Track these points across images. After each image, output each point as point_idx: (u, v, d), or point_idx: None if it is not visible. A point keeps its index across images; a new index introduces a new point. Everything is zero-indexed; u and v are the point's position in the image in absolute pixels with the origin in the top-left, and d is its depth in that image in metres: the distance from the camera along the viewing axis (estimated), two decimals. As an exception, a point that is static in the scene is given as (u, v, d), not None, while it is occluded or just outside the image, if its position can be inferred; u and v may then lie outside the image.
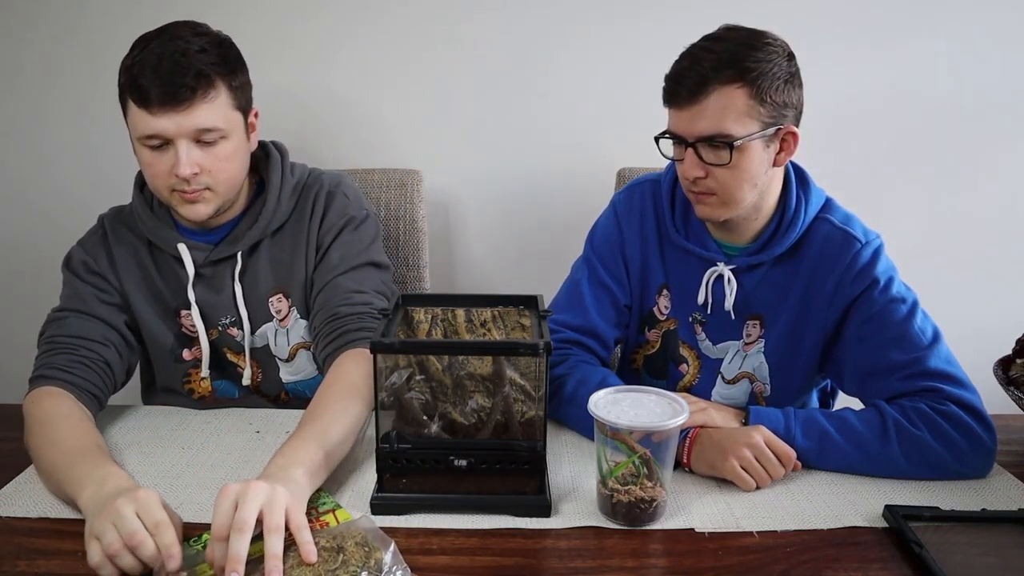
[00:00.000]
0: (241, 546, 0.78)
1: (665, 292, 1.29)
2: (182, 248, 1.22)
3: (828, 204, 1.23)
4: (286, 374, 1.32)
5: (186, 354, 1.29)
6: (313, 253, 1.27)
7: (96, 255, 1.25)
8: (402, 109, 1.80)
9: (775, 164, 1.14)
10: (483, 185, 1.86)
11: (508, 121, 1.81)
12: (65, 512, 0.95)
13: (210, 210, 1.18)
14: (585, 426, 1.14)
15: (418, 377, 1.00)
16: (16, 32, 1.75)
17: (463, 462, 0.96)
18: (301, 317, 1.29)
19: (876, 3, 1.72)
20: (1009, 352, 1.18)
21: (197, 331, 1.26)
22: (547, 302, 1.16)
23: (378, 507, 0.96)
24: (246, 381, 1.30)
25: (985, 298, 1.88)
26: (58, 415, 1.06)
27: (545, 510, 0.96)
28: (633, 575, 0.86)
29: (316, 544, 0.83)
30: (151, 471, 1.06)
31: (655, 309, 1.31)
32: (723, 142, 1.08)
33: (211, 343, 1.28)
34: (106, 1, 1.72)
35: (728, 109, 1.07)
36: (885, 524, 0.95)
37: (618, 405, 0.95)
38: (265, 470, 0.93)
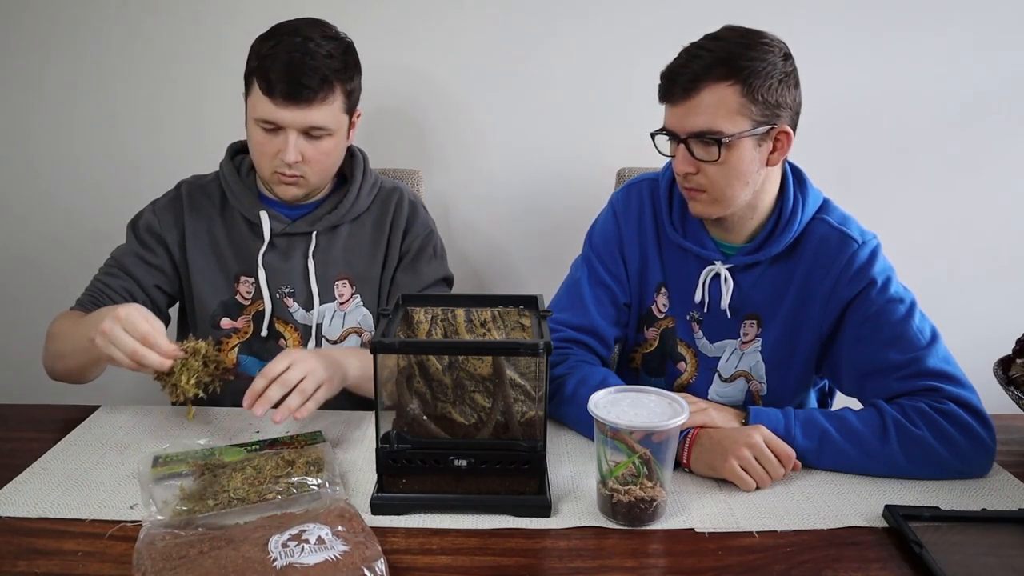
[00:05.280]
0: (275, 393, 1.04)
1: (663, 291, 1.30)
2: (263, 215, 1.33)
3: (825, 205, 1.23)
4: None
5: (225, 322, 1.36)
6: (395, 255, 1.40)
7: (162, 215, 1.36)
8: (402, 109, 1.80)
9: (768, 164, 1.15)
10: (483, 185, 1.86)
11: (508, 121, 1.81)
12: (65, 512, 0.95)
13: (300, 193, 1.32)
14: (585, 426, 1.14)
15: (417, 377, 1.00)
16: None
17: (463, 462, 0.96)
18: (363, 304, 1.38)
19: (876, 3, 1.72)
20: (1009, 352, 1.19)
21: (256, 294, 1.34)
22: (547, 302, 1.16)
23: (378, 507, 0.96)
24: (311, 346, 1.36)
25: (985, 298, 1.88)
26: (76, 315, 1.25)
27: (545, 510, 0.96)
28: (633, 575, 0.86)
29: (277, 456, 1.01)
30: (151, 471, 1.06)
31: (653, 307, 1.31)
32: (712, 138, 1.09)
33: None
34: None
35: (719, 106, 1.08)
36: (885, 524, 0.95)
37: (618, 405, 0.95)
38: (325, 349, 1.21)
